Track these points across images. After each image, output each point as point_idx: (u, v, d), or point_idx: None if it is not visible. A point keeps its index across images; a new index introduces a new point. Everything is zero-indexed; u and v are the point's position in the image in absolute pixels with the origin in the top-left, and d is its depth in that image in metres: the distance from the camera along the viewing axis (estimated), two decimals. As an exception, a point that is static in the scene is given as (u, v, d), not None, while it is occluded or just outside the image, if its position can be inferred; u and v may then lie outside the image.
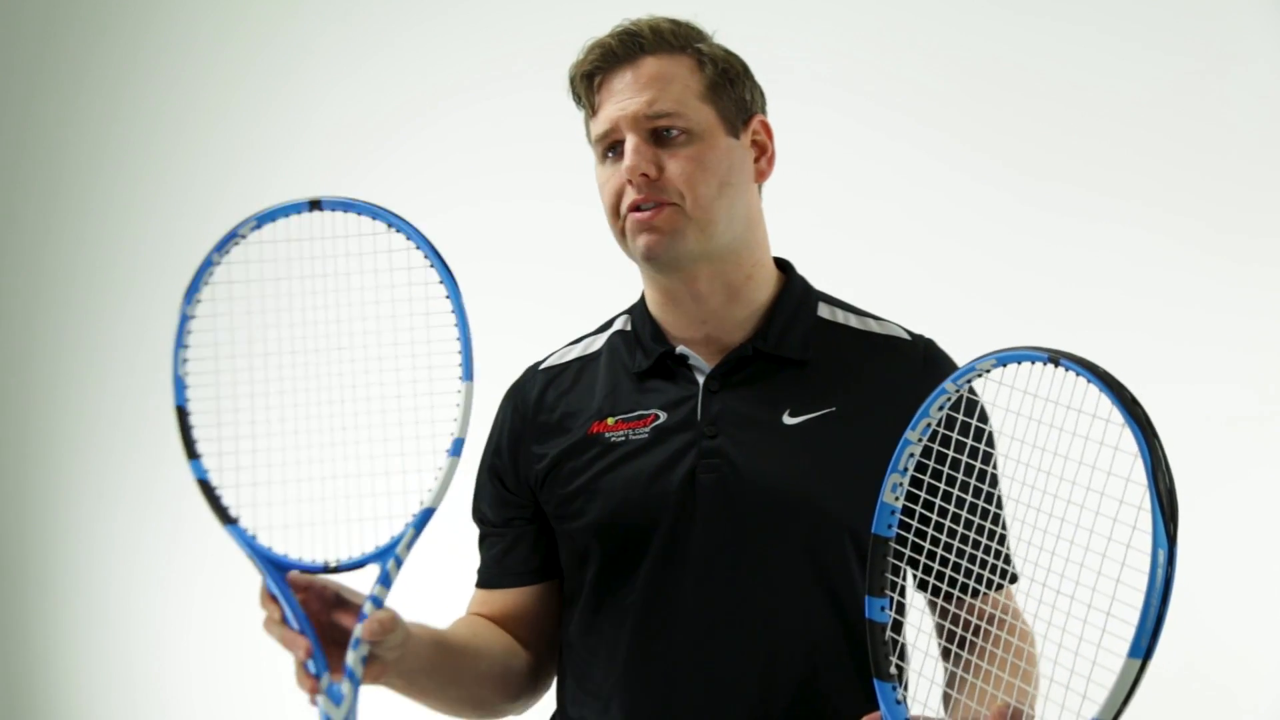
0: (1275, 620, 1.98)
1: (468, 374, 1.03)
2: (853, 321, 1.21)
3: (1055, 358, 0.83)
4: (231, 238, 1.04)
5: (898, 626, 0.98)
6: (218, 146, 2.90)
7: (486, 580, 1.24)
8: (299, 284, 1.05)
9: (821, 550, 1.10)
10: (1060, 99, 2.15)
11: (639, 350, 1.19)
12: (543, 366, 1.25)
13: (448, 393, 1.03)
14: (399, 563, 1.01)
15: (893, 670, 0.95)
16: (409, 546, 1.02)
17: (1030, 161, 2.18)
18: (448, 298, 1.04)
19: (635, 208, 1.11)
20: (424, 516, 1.02)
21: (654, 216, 1.10)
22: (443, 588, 1.48)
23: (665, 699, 1.10)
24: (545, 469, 1.17)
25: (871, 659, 0.95)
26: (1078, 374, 0.81)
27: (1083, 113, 2.14)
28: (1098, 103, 2.14)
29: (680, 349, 1.17)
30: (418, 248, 1.04)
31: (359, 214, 1.05)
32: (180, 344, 1.03)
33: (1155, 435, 0.77)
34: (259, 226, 1.04)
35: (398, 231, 1.05)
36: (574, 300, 1.48)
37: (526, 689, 1.22)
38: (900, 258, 2.24)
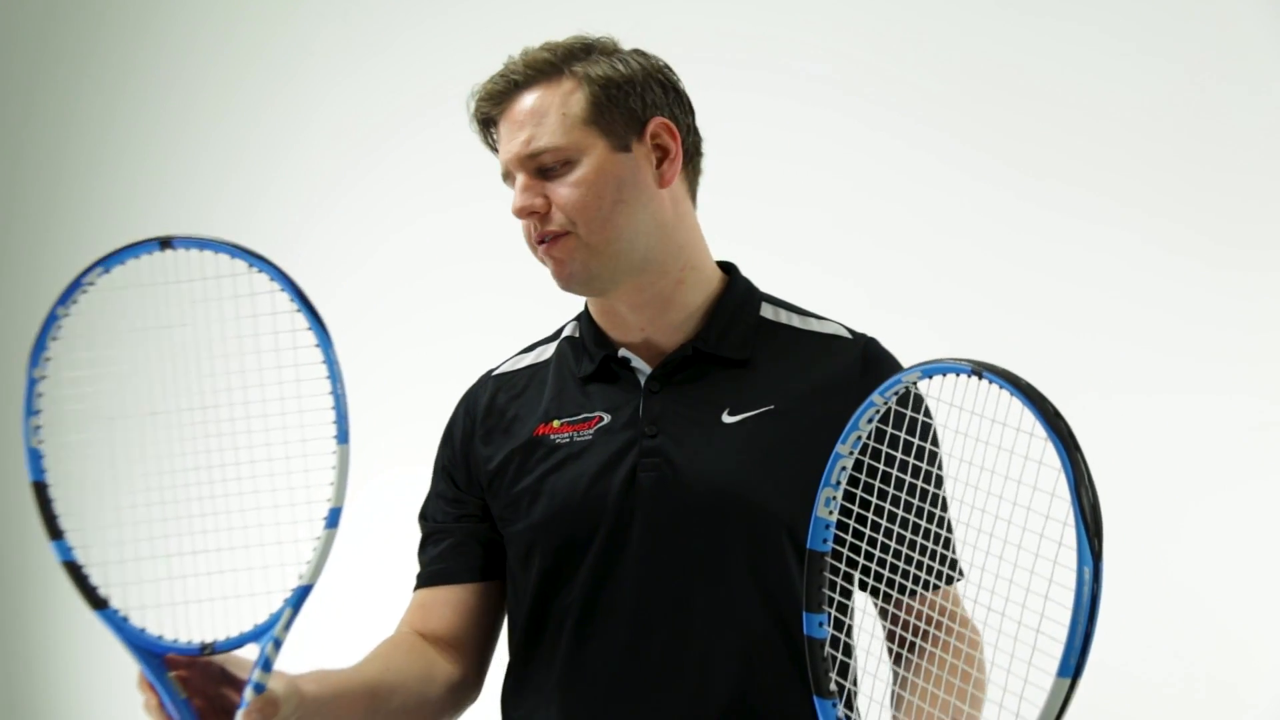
0: (1277, 617, 1.93)
1: (343, 436, 0.93)
2: (795, 321, 1.21)
3: (979, 370, 0.82)
4: (76, 287, 0.94)
5: (837, 642, 0.98)
6: (218, 146, 2.87)
7: (430, 578, 1.22)
8: (156, 335, 0.95)
9: (758, 547, 1.10)
10: (1064, 102, 2.10)
11: (584, 355, 1.21)
12: (496, 372, 1.27)
13: (323, 454, 0.93)
14: (278, 644, 0.93)
15: (833, 687, 0.94)
16: (287, 627, 0.94)
17: (1034, 162, 2.12)
18: (318, 346, 0.92)
19: (541, 240, 1.14)
20: (301, 594, 0.94)
21: (551, 247, 1.13)
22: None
23: (603, 697, 1.11)
24: (493, 470, 1.18)
25: (811, 676, 0.95)
26: (1000, 386, 0.81)
27: (1087, 116, 2.08)
28: (1102, 106, 2.07)
29: (622, 352, 1.18)
30: (282, 290, 0.93)
31: (215, 252, 0.94)
32: (31, 411, 0.93)
33: (1078, 449, 0.76)
34: (106, 271, 0.94)
35: (260, 271, 0.93)
36: (571, 300, 1.42)
37: (448, 706, 1.20)
38: (903, 257, 2.19)
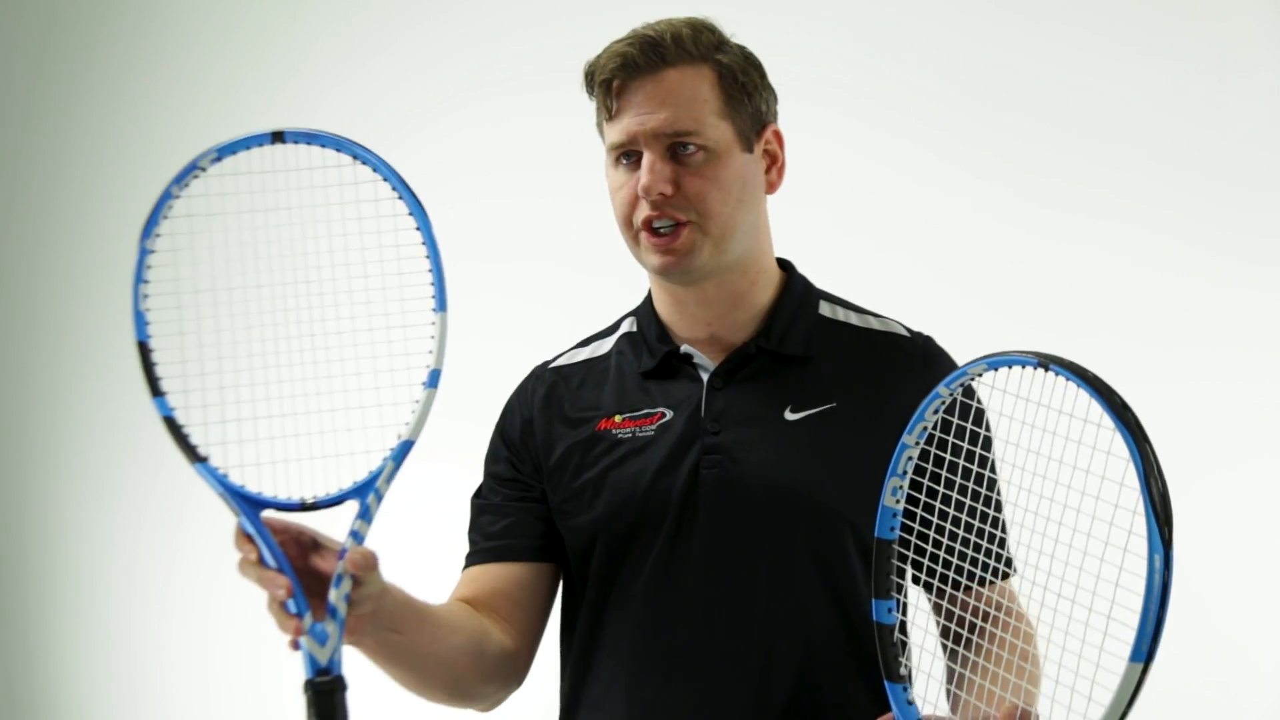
0: (1277, 617, 1.98)
1: (441, 304, 1.01)
2: (853, 319, 1.23)
3: (1045, 362, 0.83)
4: (191, 170, 1.01)
5: (904, 627, 0.99)
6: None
7: (484, 554, 1.22)
8: (263, 217, 1.02)
9: (821, 543, 1.12)
10: (1064, 102, 2.16)
11: (645, 350, 1.21)
12: (552, 365, 1.27)
13: (421, 324, 1.01)
14: (379, 497, 0.99)
15: (903, 672, 0.96)
16: (389, 480, 1.00)
17: (1034, 162, 2.18)
18: (418, 229, 1.01)
19: (649, 225, 1.12)
20: (403, 449, 1.00)
21: (672, 241, 1.12)
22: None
23: (667, 689, 1.12)
24: (554, 463, 1.19)
25: (881, 661, 0.96)
26: (1068, 379, 0.82)
27: (1087, 115, 2.14)
28: (1102, 105, 2.13)
29: (685, 348, 1.19)
30: (385, 179, 1.01)
31: (323, 146, 1.02)
32: (140, 279, 0.99)
33: (1146, 440, 0.77)
34: (220, 159, 1.01)
35: (363, 163, 1.02)
36: (574, 300, 1.47)
37: (499, 674, 1.20)
38: (904, 257, 2.25)
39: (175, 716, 2.89)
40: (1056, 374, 0.82)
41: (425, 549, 1.70)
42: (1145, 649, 0.76)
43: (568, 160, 1.44)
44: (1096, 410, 0.80)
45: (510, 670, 1.20)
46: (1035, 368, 0.84)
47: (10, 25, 3.04)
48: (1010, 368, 0.87)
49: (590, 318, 1.32)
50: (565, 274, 2.43)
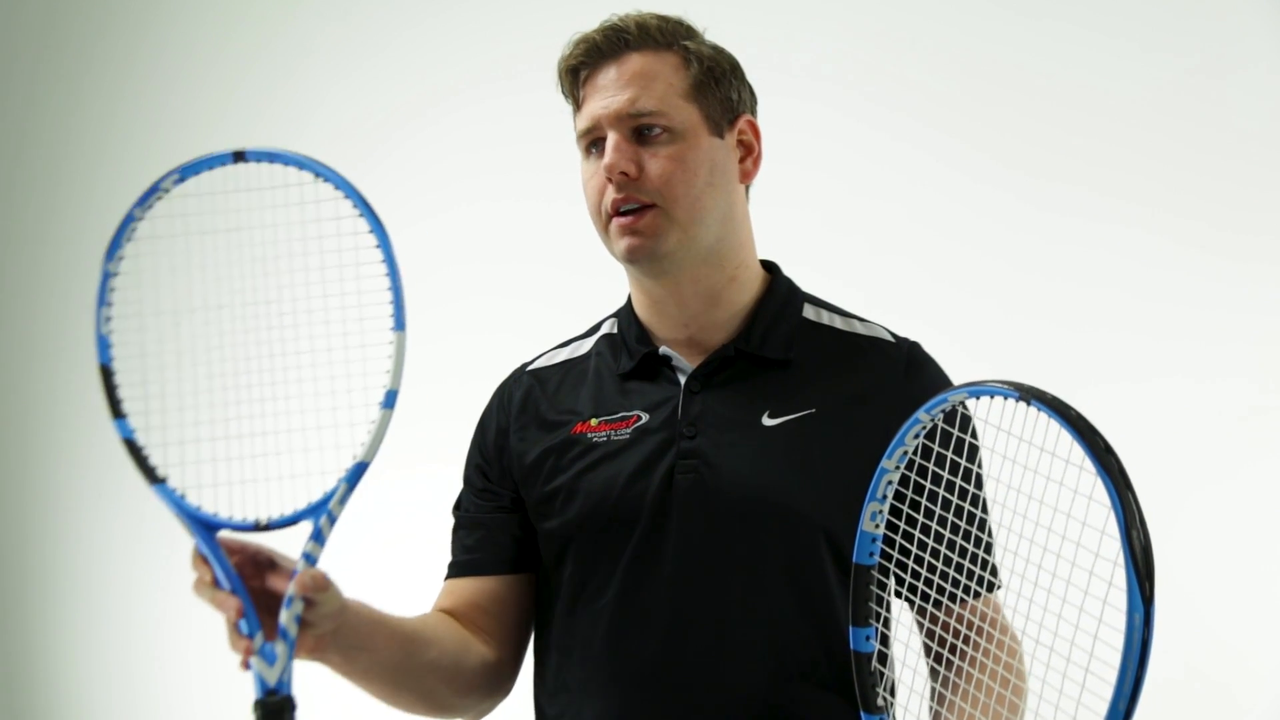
0: (1276, 618, 1.95)
1: (399, 324, 1.00)
2: (837, 323, 1.21)
3: (1027, 396, 0.80)
4: (154, 192, 1.02)
5: (883, 656, 0.96)
6: (217, 146, 2.90)
7: (461, 568, 1.22)
8: (224, 237, 1.03)
9: (795, 551, 1.10)
10: (1061, 100, 2.15)
11: (624, 352, 1.20)
12: (530, 368, 1.26)
13: (380, 344, 1.00)
14: (332, 519, 0.99)
15: (880, 703, 0.93)
16: (342, 502, 0.99)
17: (1032, 162, 2.17)
18: (378, 247, 1.01)
19: (618, 210, 1.12)
20: (357, 471, 0.99)
21: (636, 221, 1.11)
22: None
23: (637, 697, 1.10)
24: (529, 467, 1.18)
25: (859, 691, 0.94)
26: (1049, 417, 0.78)
27: (1084, 114, 2.14)
28: (1099, 104, 2.13)
29: (663, 350, 1.18)
30: (346, 197, 1.01)
31: (284, 164, 1.02)
32: (103, 302, 1.00)
33: (1129, 488, 0.73)
34: (182, 179, 1.02)
35: (325, 181, 1.02)
36: (571, 301, 1.48)
37: (481, 686, 1.19)
38: (900, 258, 2.24)
39: (175, 716, 2.90)
40: (1039, 410, 0.79)
41: (417, 548, 1.71)
42: (1123, 709, 0.72)
43: (566, 162, 1.44)
44: (1079, 452, 0.76)
45: (493, 681, 1.19)
46: (1016, 400, 0.80)
47: (10, 25, 3.06)
48: (991, 398, 0.84)
49: (587, 318, 1.30)
50: (564, 276, 2.43)
